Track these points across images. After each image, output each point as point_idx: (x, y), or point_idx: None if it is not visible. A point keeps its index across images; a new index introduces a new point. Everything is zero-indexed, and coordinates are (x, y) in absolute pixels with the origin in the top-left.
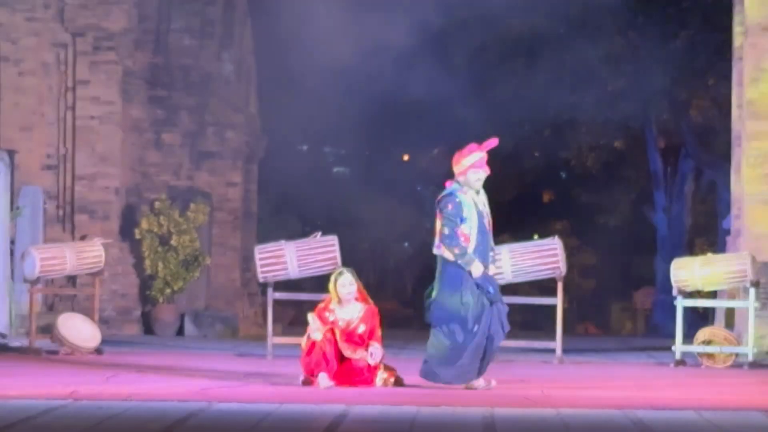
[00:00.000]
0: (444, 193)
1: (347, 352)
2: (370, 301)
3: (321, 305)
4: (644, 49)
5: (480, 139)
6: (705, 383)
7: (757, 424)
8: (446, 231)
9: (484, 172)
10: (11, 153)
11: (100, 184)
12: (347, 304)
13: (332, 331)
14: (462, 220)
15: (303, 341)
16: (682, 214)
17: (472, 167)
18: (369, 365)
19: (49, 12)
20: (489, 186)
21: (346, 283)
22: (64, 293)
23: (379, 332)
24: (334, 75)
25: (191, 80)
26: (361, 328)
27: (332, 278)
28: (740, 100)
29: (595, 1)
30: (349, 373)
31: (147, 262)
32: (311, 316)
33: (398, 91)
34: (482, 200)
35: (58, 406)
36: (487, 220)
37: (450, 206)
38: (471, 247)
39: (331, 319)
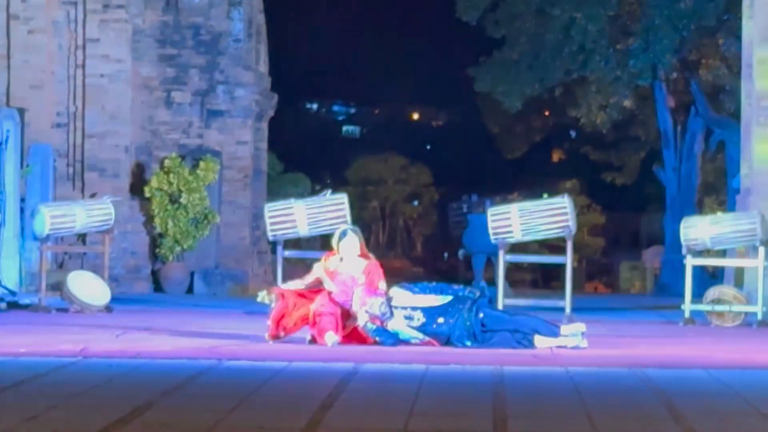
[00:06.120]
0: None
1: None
2: (371, 256)
3: (324, 259)
4: (654, 8)
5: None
6: (714, 342)
7: (765, 382)
8: None
9: None
10: (21, 111)
11: (110, 142)
12: (349, 260)
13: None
14: None
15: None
16: (692, 173)
17: None
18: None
19: None
20: (500, 144)
21: (349, 243)
22: (74, 251)
23: (381, 285)
24: (344, 32)
25: (201, 39)
26: (361, 280)
27: (336, 236)
28: (750, 59)
29: None
30: (356, 333)
31: (157, 220)
32: (317, 266)
33: (409, 49)
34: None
35: (67, 364)
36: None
37: None
38: None
39: (331, 269)
